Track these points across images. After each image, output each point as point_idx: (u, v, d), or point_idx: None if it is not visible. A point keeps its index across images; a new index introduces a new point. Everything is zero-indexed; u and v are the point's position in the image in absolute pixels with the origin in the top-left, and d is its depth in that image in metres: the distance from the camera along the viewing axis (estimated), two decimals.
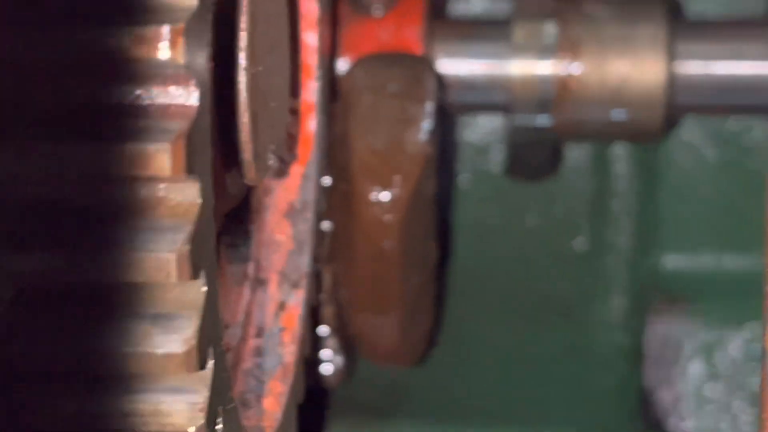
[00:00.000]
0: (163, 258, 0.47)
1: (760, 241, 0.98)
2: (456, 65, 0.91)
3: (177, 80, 0.47)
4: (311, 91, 0.77)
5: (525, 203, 1.09)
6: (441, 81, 0.90)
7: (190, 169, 0.47)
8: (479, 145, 1.08)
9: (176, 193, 0.47)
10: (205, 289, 0.48)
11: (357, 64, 0.84)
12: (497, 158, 1.08)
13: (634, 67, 0.88)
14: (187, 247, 0.47)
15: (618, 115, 0.89)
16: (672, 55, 0.89)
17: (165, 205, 0.48)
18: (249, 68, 0.58)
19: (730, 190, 1.06)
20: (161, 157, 0.47)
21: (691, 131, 1.06)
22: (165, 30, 0.46)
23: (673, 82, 0.88)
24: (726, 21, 0.98)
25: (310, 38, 0.77)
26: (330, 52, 0.83)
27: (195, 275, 0.48)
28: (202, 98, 0.48)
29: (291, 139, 0.74)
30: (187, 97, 0.47)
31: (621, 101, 0.88)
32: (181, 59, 0.46)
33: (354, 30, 0.90)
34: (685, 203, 1.06)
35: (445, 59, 0.91)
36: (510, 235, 1.08)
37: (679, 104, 0.90)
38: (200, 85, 0.48)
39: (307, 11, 0.77)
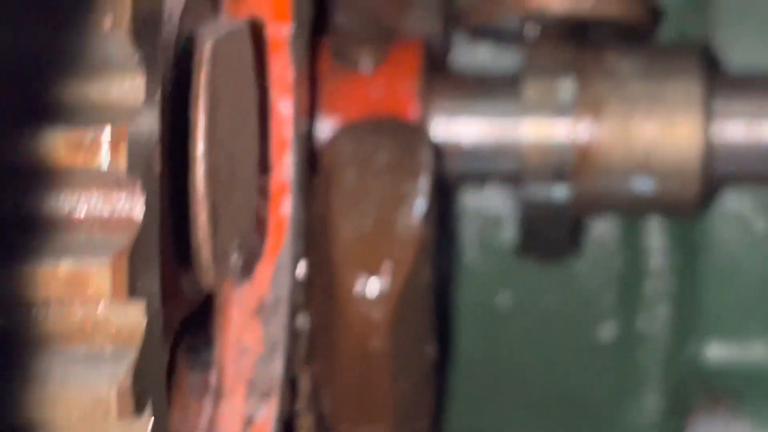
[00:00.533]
0: (102, 392, 0.48)
1: None
2: (457, 127, 0.93)
3: (119, 187, 0.49)
4: (285, 167, 0.78)
5: (541, 284, 1.10)
6: (438, 149, 0.92)
7: (134, 289, 0.49)
8: (487, 216, 1.09)
9: (117, 315, 0.49)
10: (151, 426, 0.50)
11: (340, 133, 0.86)
12: (508, 231, 1.10)
13: (665, 130, 0.90)
14: (129, 379, 0.49)
15: (646, 186, 0.91)
16: (709, 116, 0.90)
17: (104, 330, 0.49)
18: (207, 157, 0.60)
19: None
20: (99, 277, 0.48)
21: (736, 199, 1.07)
22: (105, 132, 0.48)
23: (711, 148, 0.90)
24: None
25: (284, 106, 0.79)
26: (308, 118, 0.85)
27: (139, 410, 0.49)
28: (148, 207, 0.49)
29: (260, 226, 0.76)
30: (130, 206, 0.49)
31: (650, 170, 0.90)
32: (123, 165, 0.48)
33: (337, 88, 0.92)
34: (730, 284, 1.08)
35: (444, 120, 0.93)
36: (524, 322, 1.10)
37: (719, 173, 0.92)
38: (147, 191, 0.49)
39: (279, 74, 0.79)
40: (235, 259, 0.65)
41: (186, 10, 0.63)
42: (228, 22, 0.68)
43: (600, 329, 1.09)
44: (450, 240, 1.09)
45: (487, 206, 1.09)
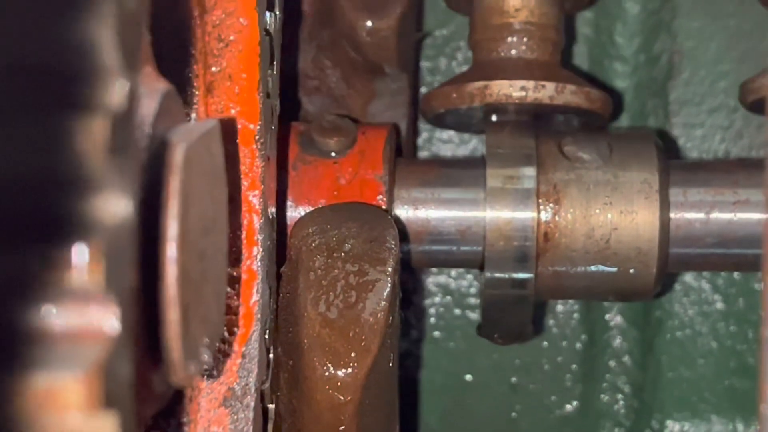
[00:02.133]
0: None
1: None
2: (421, 213, 0.94)
3: (95, 300, 0.50)
4: (253, 256, 0.79)
5: (505, 359, 1.11)
6: (404, 233, 0.93)
7: (108, 401, 0.49)
8: (453, 290, 1.10)
9: (89, 428, 0.50)
10: None
11: (308, 219, 0.87)
12: (474, 305, 1.11)
13: (624, 218, 0.91)
14: None
15: (606, 271, 0.92)
16: (666, 204, 0.91)
17: None
18: (178, 260, 0.61)
19: (740, 342, 1.09)
20: (72, 390, 0.49)
21: (695, 278, 1.09)
22: (82, 250, 0.49)
23: (668, 235, 0.91)
24: (726, 161, 1.01)
25: (252, 197, 0.80)
26: (276, 205, 0.86)
27: None
28: (124, 321, 0.50)
29: (230, 317, 0.77)
30: (106, 320, 0.50)
31: (609, 256, 0.91)
32: (100, 282, 0.49)
33: (307, 175, 0.93)
34: (689, 360, 1.09)
35: (409, 207, 0.94)
36: (488, 396, 1.10)
37: (675, 260, 0.93)
38: (122, 305, 0.50)
39: (248, 167, 0.80)
40: (205, 356, 0.66)
41: (159, 115, 0.64)
42: (199, 123, 0.69)
43: (562, 404, 1.10)
44: (416, 313, 1.10)
45: (452, 280, 1.10)
